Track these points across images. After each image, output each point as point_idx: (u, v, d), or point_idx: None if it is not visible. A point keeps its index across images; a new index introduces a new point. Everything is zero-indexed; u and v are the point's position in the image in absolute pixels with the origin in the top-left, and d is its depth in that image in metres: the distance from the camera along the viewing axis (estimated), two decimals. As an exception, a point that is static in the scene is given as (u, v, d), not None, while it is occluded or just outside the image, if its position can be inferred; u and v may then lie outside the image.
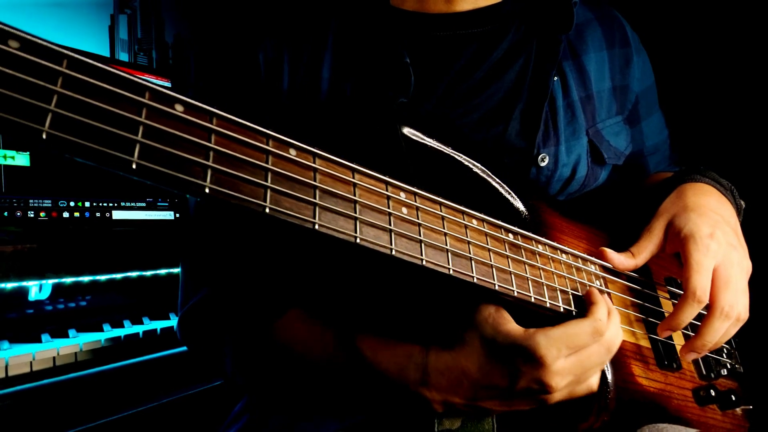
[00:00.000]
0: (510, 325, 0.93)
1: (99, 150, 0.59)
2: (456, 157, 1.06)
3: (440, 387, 0.95)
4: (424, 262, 0.85)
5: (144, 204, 2.40)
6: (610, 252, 1.14)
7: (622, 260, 1.15)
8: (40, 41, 0.58)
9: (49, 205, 2.12)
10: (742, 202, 1.34)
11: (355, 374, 1.01)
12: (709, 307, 1.10)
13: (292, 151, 0.76)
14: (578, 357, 0.93)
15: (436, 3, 1.25)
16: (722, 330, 1.11)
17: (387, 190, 0.85)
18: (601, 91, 1.33)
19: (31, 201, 2.08)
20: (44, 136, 0.56)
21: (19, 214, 2.04)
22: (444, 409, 0.98)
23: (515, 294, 0.95)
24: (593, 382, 1.00)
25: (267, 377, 1.13)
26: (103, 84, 0.61)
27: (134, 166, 0.61)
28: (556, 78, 1.26)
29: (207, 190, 0.66)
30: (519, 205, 1.11)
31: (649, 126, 1.49)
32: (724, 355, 1.30)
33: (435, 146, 1.05)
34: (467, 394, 0.95)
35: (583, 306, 1.03)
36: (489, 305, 0.96)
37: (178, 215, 2.51)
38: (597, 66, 1.32)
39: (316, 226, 0.75)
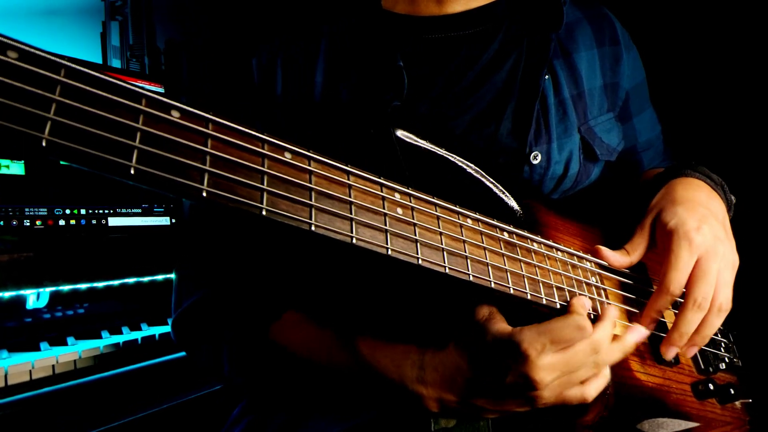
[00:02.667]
0: (500, 324, 0.94)
1: (98, 156, 0.60)
2: (449, 158, 1.07)
3: (435, 384, 0.96)
4: (420, 262, 0.85)
5: (140, 210, 2.41)
6: (605, 250, 1.15)
7: (617, 258, 1.16)
8: (38, 51, 0.59)
9: (45, 213, 2.12)
10: (733, 198, 1.34)
11: (354, 373, 1.02)
12: (684, 299, 1.11)
13: (288, 155, 0.77)
14: (564, 354, 0.93)
15: (428, 5, 1.26)
16: (696, 321, 1.11)
17: (382, 192, 0.86)
18: (593, 89, 1.33)
19: (26, 210, 2.08)
20: (44, 144, 0.57)
21: (14, 223, 2.04)
22: (439, 408, 0.98)
23: (511, 291, 0.96)
24: (588, 391, 0.99)
25: (265, 378, 1.14)
26: (101, 92, 0.62)
27: (132, 172, 0.62)
28: (547, 76, 1.27)
29: (204, 194, 0.67)
30: (513, 204, 1.11)
31: (641, 122, 1.50)
32: (722, 349, 1.30)
33: (428, 148, 1.06)
34: (460, 392, 0.96)
35: (578, 303, 1.04)
36: (483, 307, 0.97)
37: (174, 221, 2.51)
38: (588, 64, 1.33)
39: (313, 228, 0.76)
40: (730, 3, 2.13)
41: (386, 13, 1.27)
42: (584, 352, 0.95)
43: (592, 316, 1.07)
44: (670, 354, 1.15)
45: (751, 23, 2.09)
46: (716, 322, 1.14)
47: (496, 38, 1.28)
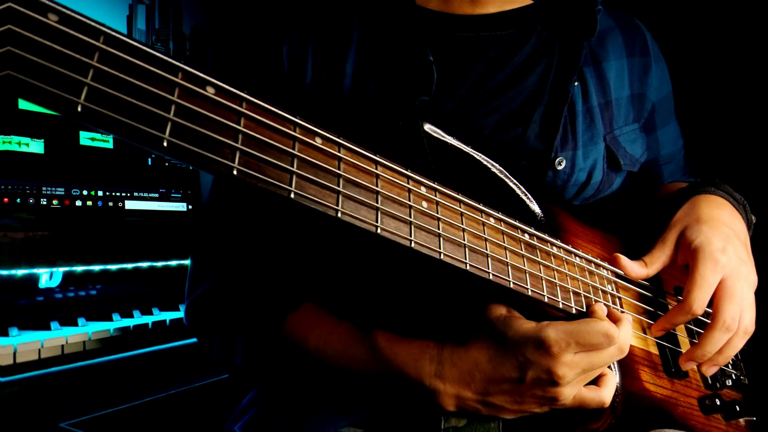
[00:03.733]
0: (521, 320, 0.94)
1: (131, 125, 0.60)
2: (475, 155, 1.07)
3: (453, 379, 0.95)
4: (442, 256, 0.85)
5: (157, 195, 2.42)
6: (623, 259, 1.15)
7: (634, 268, 1.16)
8: (79, 16, 0.59)
9: (62, 193, 2.13)
10: (753, 217, 1.34)
11: (370, 367, 1.01)
12: (712, 318, 1.11)
13: (318, 140, 0.77)
14: (588, 356, 0.93)
15: (461, 4, 1.26)
16: (722, 341, 1.12)
17: (408, 183, 0.86)
18: (620, 99, 1.33)
19: (44, 188, 2.09)
20: (79, 109, 0.57)
21: (31, 201, 2.05)
22: (456, 406, 0.97)
23: (529, 293, 0.95)
24: (605, 394, 1.00)
25: (278, 368, 1.13)
26: (138, 61, 0.62)
27: (165, 144, 0.62)
28: (576, 83, 1.26)
29: (235, 172, 0.67)
30: (535, 207, 1.11)
31: (665, 135, 1.49)
32: (729, 365, 1.30)
33: (455, 144, 1.06)
34: (478, 388, 0.95)
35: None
36: (499, 306, 0.97)
37: (190, 207, 2.52)
38: (617, 73, 1.33)
39: (339, 214, 0.76)
40: (757, 20, 2.12)
41: (420, 9, 1.27)
42: (610, 355, 0.96)
43: None
44: (687, 366, 1.15)
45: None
46: (739, 344, 1.14)
47: (529, 42, 1.28)
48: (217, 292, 1.21)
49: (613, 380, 1.02)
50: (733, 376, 1.29)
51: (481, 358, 0.95)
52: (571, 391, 0.95)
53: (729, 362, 1.29)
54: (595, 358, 0.94)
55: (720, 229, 1.16)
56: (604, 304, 1.07)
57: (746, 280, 1.14)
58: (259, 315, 1.13)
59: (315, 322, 1.09)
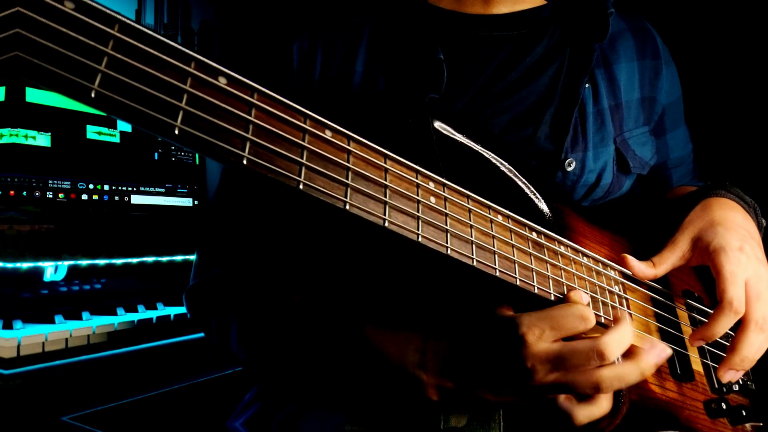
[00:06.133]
0: (503, 309, 0.94)
1: (144, 112, 0.60)
2: (484, 154, 1.07)
3: (435, 369, 0.95)
4: (449, 251, 0.85)
5: (163, 190, 2.42)
6: (631, 259, 1.14)
7: (642, 268, 1.15)
8: (94, 4, 0.59)
9: (68, 186, 2.14)
10: (764, 221, 1.34)
11: (358, 358, 1.02)
12: (743, 321, 1.09)
13: (328, 132, 0.78)
14: (563, 347, 0.89)
15: (474, 4, 1.27)
16: (758, 344, 1.10)
17: (417, 178, 0.86)
18: (630, 101, 1.33)
19: (50, 182, 2.10)
20: (93, 95, 0.57)
21: (37, 194, 2.06)
22: (439, 396, 0.96)
23: (535, 291, 0.95)
24: (601, 404, 0.97)
25: (269, 353, 1.14)
26: (152, 50, 0.62)
27: (177, 132, 0.62)
28: (587, 85, 1.27)
29: (245, 161, 0.67)
30: (543, 206, 1.11)
31: (675, 139, 1.49)
32: (736, 370, 1.30)
33: (465, 142, 1.06)
34: (458, 378, 0.94)
35: (599, 309, 1.03)
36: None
37: (196, 202, 2.52)
38: (627, 76, 1.33)
39: (347, 206, 0.76)
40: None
41: (431, 7, 1.27)
42: (586, 350, 0.89)
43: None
44: (727, 378, 1.13)
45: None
46: (766, 345, 1.12)
47: (541, 43, 1.28)
48: (217, 278, 1.23)
49: (603, 404, 0.98)
50: (740, 380, 1.28)
51: (460, 348, 0.95)
52: (547, 385, 0.91)
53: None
54: (570, 350, 0.89)
55: (735, 230, 1.16)
56: (612, 306, 1.07)
57: (766, 280, 1.13)
58: (252, 299, 1.14)
59: (305, 311, 1.10)
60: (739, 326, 1.10)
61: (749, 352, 1.09)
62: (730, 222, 1.18)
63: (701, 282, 1.35)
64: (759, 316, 1.08)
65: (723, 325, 1.08)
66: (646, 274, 1.15)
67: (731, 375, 1.13)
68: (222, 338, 1.18)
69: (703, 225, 1.18)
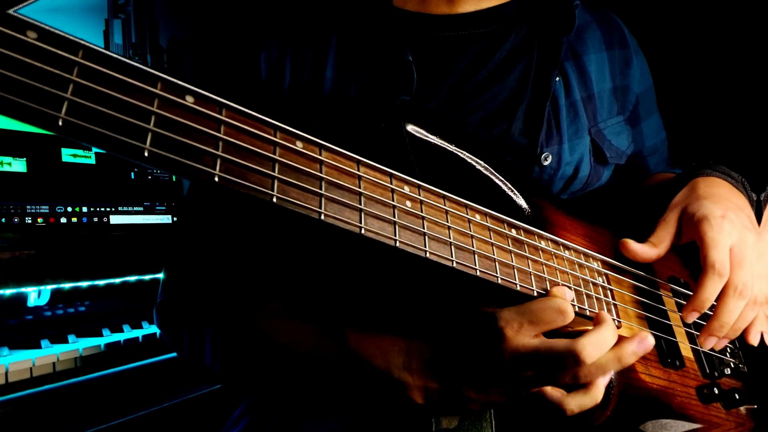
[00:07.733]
0: (486, 308, 0.94)
1: (113, 137, 0.60)
2: (459, 154, 1.07)
3: (420, 371, 0.95)
4: (427, 255, 0.85)
5: (141, 208, 2.41)
6: (631, 243, 1.14)
7: (645, 250, 1.15)
8: (57, 32, 0.59)
9: (47, 210, 2.12)
10: (754, 195, 1.34)
11: (340, 364, 1.01)
12: (723, 287, 1.08)
13: (299, 143, 0.78)
14: (542, 342, 0.90)
15: (438, 5, 1.27)
16: (738, 310, 1.08)
17: (391, 183, 0.86)
18: (602, 92, 1.34)
19: (28, 207, 2.08)
20: (60, 123, 0.57)
21: (16, 220, 2.04)
22: (425, 399, 0.96)
23: (518, 288, 0.95)
24: (593, 394, 0.96)
25: (247, 366, 1.12)
26: (117, 74, 0.62)
27: (146, 154, 0.62)
28: (558, 78, 1.27)
29: (217, 179, 0.67)
30: (521, 202, 1.11)
31: (649, 127, 1.50)
32: (727, 354, 1.30)
33: (439, 143, 1.06)
34: (442, 378, 0.94)
35: (584, 303, 1.04)
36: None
37: (175, 219, 2.51)
38: (597, 67, 1.34)
39: (322, 216, 0.76)
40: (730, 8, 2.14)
41: (397, 10, 1.27)
42: (562, 350, 0.89)
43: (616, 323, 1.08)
44: (708, 344, 1.12)
45: (750, 28, 2.09)
46: (750, 315, 1.12)
47: (508, 39, 1.28)
48: (188, 292, 1.22)
49: (588, 397, 0.97)
50: (732, 364, 1.28)
51: (443, 347, 0.95)
52: (529, 374, 0.91)
53: (727, 350, 1.30)
54: (547, 346, 0.90)
55: (720, 201, 1.16)
56: (596, 298, 1.07)
57: (753, 248, 1.12)
58: (226, 311, 1.14)
59: (282, 320, 1.09)
60: (720, 292, 1.09)
61: (728, 318, 1.09)
62: (715, 196, 1.18)
63: (687, 268, 1.36)
64: (739, 282, 1.07)
65: (709, 291, 1.07)
66: (649, 255, 1.15)
67: (712, 342, 1.12)
68: (195, 352, 1.16)
69: (689, 201, 1.19)
